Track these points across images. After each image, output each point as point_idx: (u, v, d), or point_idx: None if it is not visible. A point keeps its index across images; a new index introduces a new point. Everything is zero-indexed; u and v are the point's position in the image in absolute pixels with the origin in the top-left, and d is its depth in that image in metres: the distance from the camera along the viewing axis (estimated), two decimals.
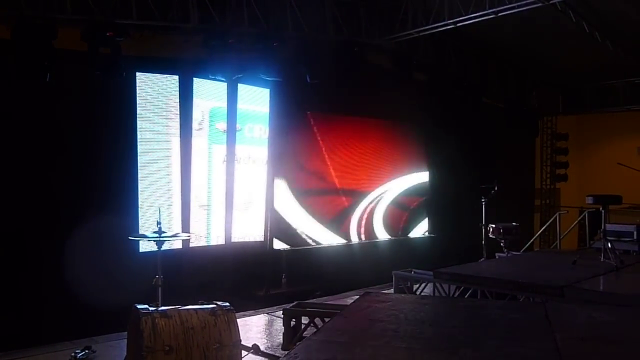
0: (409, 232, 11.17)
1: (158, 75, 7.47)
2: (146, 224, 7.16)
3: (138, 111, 7.27)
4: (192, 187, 7.83)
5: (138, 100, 7.25)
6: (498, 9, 7.53)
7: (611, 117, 12.11)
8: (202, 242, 8.01)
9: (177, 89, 7.63)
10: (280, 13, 7.90)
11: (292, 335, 5.52)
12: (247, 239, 8.53)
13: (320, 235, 9.58)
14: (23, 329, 6.02)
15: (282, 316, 5.76)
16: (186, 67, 7.71)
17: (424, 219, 11.49)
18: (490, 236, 9.33)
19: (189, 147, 7.77)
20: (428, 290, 7.57)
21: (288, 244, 9.07)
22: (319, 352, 2.71)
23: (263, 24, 7.74)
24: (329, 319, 3.98)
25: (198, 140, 7.90)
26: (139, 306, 4.33)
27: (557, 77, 11.86)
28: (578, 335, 3.25)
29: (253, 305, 7.77)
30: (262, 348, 5.87)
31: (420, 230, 11.43)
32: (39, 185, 6.52)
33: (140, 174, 7.30)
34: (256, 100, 8.60)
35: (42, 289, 6.37)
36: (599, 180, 11.69)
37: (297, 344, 4.14)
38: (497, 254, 9.37)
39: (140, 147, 7.28)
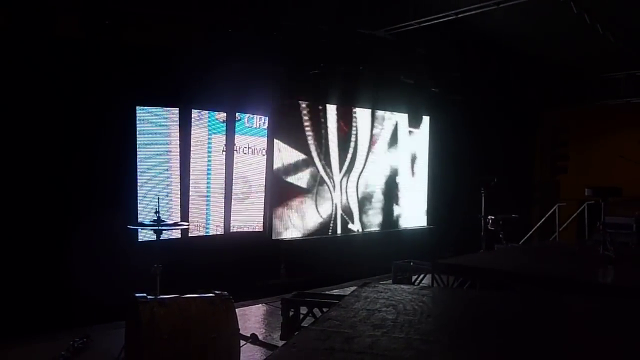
0: (408, 224, 11.17)
1: None
2: (145, 214, 7.14)
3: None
4: (191, 176, 7.81)
5: (138, 89, 7.21)
6: None
7: (612, 109, 12.08)
8: (201, 232, 8.01)
9: None
10: (281, 1, 7.86)
11: (290, 325, 5.53)
12: (246, 229, 8.53)
13: (318, 225, 9.60)
14: (21, 317, 6.02)
15: (280, 306, 5.76)
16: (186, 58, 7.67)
17: (423, 210, 11.50)
18: (490, 228, 9.35)
19: (189, 137, 7.74)
20: (427, 281, 7.59)
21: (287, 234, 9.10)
22: (317, 341, 2.70)
23: (263, 12, 7.70)
24: (327, 309, 3.98)
25: (197, 130, 7.88)
26: (137, 295, 4.34)
27: (558, 70, 11.81)
28: (577, 326, 3.25)
29: (252, 295, 7.78)
30: (260, 337, 5.89)
31: (419, 221, 11.43)
32: (36, 175, 6.49)
33: (139, 163, 7.27)
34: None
35: (40, 278, 6.36)
36: (599, 172, 11.68)
37: (296, 333, 4.14)
38: (496, 246, 9.40)
39: (139, 136, 7.25)
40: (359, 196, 10.22)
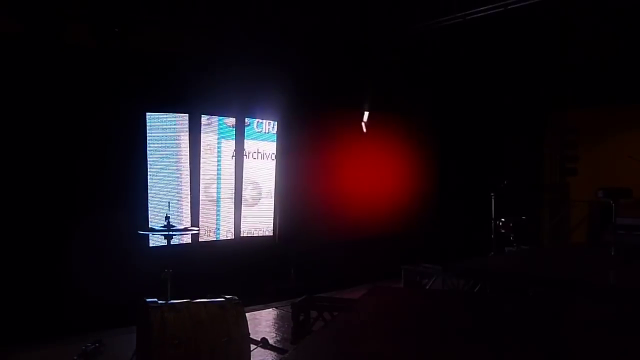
0: (417, 226, 11.14)
1: None
2: (155, 219, 7.18)
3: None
4: (202, 181, 7.85)
5: (148, 95, 7.26)
6: (508, 1, 7.46)
7: (621, 109, 12.00)
8: (211, 237, 8.03)
9: None
10: (287, 6, 7.89)
11: (300, 329, 5.54)
12: (256, 234, 8.55)
13: (327, 229, 9.59)
14: (33, 322, 6.07)
15: (290, 310, 5.77)
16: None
17: (432, 213, 11.46)
18: (500, 230, 9.31)
19: (198, 142, 7.78)
20: (437, 284, 7.57)
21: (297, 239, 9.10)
22: (327, 346, 2.71)
23: (272, 18, 7.73)
24: (337, 313, 4.00)
25: (207, 135, 7.91)
26: (148, 300, 4.36)
27: (567, 71, 11.77)
28: (588, 329, 3.23)
29: (262, 299, 7.80)
30: (270, 342, 5.90)
31: (428, 224, 11.38)
32: (48, 181, 6.54)
33: (150, 169, 7.31)
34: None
35: (52, 283, 6.41)
36: (609, 173, 11.59)
37: (306, 337, 4.15)
38: (506, 248, 9.35)
39: (149, 142, 7.29)
40: (368, 198, 10.19)
